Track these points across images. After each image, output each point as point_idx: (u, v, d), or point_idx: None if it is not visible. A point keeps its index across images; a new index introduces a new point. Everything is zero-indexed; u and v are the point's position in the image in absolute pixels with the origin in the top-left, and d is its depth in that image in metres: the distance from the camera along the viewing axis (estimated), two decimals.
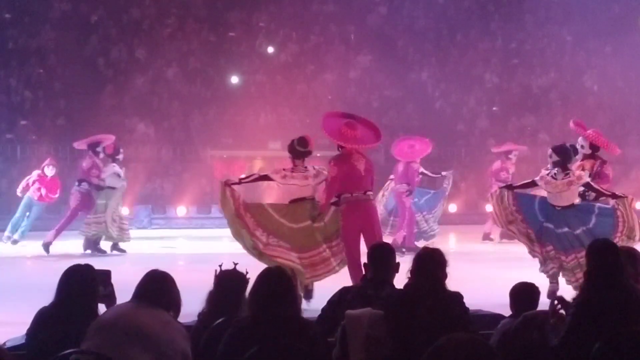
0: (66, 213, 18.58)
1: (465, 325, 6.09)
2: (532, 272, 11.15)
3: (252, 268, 6.68)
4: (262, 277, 5.96)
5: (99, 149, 18.17)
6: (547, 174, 12.36)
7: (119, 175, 18.05)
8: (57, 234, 17.92)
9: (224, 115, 27.58)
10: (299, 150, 11.89)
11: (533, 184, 12.67)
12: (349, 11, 31.48)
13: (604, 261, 6.28)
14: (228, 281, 6.60)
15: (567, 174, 12.21)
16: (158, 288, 5.97)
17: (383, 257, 7.18)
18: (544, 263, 12.09)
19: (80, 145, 18.86)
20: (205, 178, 26.59)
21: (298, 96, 28.19)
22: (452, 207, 24.51)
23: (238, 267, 6.85)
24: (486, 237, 20.46)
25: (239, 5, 31.16)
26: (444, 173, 19.24)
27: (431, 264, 6.46)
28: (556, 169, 12.29)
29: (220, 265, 6.80)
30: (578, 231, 12.02)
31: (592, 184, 12.46)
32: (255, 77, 29.44)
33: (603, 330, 5.60)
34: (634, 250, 7.30)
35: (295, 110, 27.73)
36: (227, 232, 11.94)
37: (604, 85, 31.33)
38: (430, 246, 7.00)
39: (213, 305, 6.52)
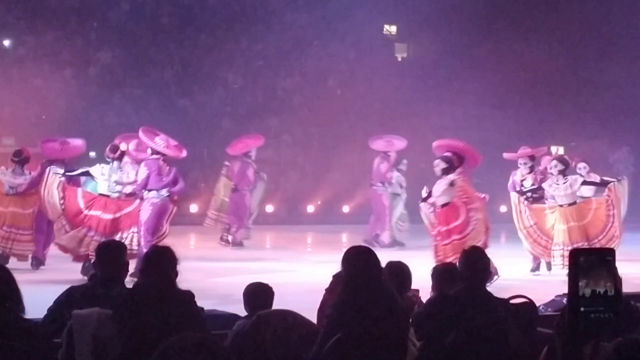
0: None
1: (197, 324, 5.96)
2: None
3: None
4: None
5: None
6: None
7: None
8: None
9: None
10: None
11: None
12: (90, 6, 30.75)
13: (359, 265, 6.25)
14: None
15: None
16: None
17: (112, 255, 7.00)
18: None
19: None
20: None
21: (34, 92, 27.21)
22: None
23: None
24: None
25: None
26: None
27: (161, 262, 6.31)
28: None
29: None
30: None
31: None
32: None
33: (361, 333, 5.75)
34: (403, 264, 7.48)
35: (31, 106, 26.79)
36: None
37: (346, 90, 31.92)
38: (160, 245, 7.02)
39: None
